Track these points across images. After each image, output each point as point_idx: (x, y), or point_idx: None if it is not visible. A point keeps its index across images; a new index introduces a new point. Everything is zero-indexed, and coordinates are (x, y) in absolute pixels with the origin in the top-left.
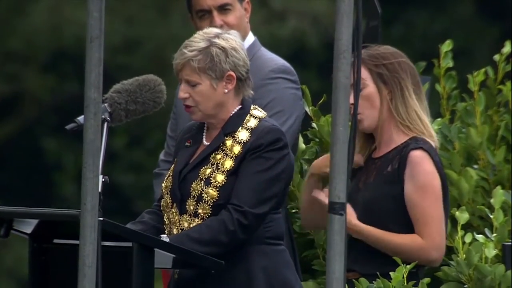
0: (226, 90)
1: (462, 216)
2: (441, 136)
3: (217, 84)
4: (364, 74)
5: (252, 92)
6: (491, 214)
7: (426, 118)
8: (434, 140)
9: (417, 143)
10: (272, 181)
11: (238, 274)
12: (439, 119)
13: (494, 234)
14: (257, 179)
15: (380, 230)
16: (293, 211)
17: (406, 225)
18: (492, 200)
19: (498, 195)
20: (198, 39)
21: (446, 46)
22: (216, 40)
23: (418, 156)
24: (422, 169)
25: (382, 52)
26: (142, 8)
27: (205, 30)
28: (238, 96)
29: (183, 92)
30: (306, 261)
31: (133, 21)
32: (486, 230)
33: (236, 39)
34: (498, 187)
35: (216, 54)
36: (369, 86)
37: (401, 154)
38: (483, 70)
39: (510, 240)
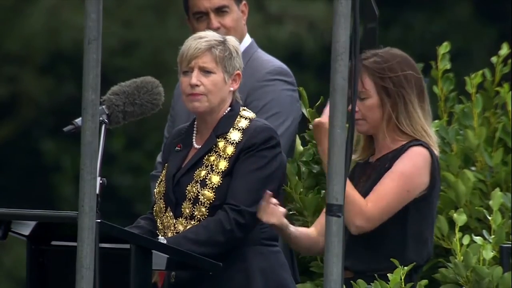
0: (232, 88)
1: (460, 218)
2: (439, 138)
3: (227, 80)
4: (369, 85)
5: (239, 96)
6: (489, 216)
7: (430, 130)
8: (436, 148)
9: (417, 141)
10: (267, 179)
11: (236, 274)
12: (436, 121)
13: (492, 236)
14: (252, 177)
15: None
16: (291, 212)
17: (402, 222)
18: (490, 202)
19: (497, 197)
20: (211, 34)
21: (444, 48)
22: (227, 38)
23: (415, 150)
24: (413, 161)
25: (390, 64)
26: (139, 11)
27: (208, 31)
28: (232, 98)
29: (196, 78)
30: (303, 262)
31: (130, 23)
32: (484, 232)
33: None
34: (497, 189)
35: (232, 50)
36: (373, 98)
37: (401, 151)
38: (480, 72)
39: (508, 242)
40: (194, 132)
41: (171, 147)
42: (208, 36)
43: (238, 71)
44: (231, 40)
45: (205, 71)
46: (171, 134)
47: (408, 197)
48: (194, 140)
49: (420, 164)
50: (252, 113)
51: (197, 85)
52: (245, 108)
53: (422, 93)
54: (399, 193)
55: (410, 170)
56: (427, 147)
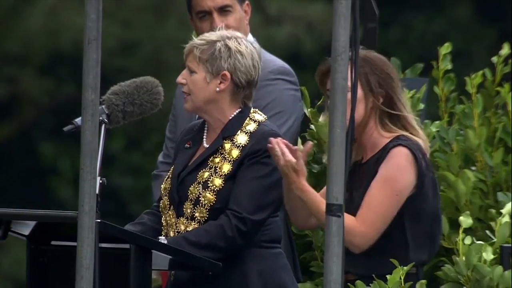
0: (218, 89)
1: (466, 221)
2: (439, 138)
3: (210, 79)
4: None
5: (252, 97)
6: (496, 220)
7: (414, 122)
8: (422, 139)
9: (397, 141)
10: (271, 188)
11: (234, 276)
12: (437, 121)
13: (494, 239)
14: (255, 185)
15: (321, 198)
16: None
17: (400, 225)
18: (502, 210)
19: (507, 206)
20: (214, 34)
21: (445, 49)
22: (227, 40)
23: (396, 151)
24: (395, 162)
25: (373, 59)
26: (138, 11)
27: (229, 31)
28: (235, 101)
29: (182, 77)
30: (304, 262)
31: (129, 24)
32: (488, 232)
33: (249, 46)
34: (508, 204)
35: (218, 49)
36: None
37: (383, 154)
38: (481, 72)
39: (508, 243)
40: (205, 130)
41: (181, 144)
42: (207, 34)
43: (225, 72)
44: (230, 42)
45: (190, 71)
46: (184, 130)
47: (398, 200)
48: (204, 139)
49: (402, 164)
50: (262, 116)
51: (183, 84)
52: (256, 110)
53: (402, 89)
54: (388, 199)
55: (393, 172)
56: (408, 146)
